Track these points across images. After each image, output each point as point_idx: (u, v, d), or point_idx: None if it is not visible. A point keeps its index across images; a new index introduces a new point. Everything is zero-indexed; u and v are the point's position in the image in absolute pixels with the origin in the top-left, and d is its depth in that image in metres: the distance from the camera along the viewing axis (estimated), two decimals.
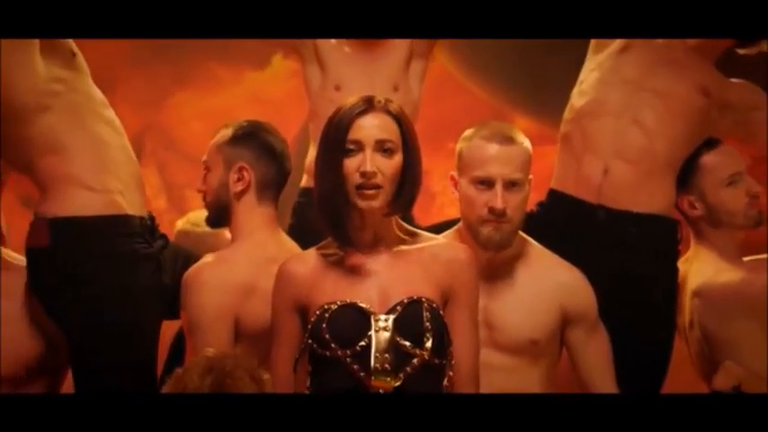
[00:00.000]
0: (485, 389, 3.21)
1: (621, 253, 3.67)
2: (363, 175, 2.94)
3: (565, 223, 3.71)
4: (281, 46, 4.28)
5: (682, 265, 3.81)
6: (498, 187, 3.26)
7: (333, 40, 4.02)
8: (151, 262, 3.45)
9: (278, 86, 5.57)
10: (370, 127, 2.98)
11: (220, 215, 3.44)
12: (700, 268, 3.73)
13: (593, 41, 3.87)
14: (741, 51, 3.79)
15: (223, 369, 2.75)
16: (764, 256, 3.82)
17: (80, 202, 3.36)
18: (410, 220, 3.33)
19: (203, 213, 3.76)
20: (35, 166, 3.36)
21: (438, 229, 3.40)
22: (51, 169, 3.36)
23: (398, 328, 2.91)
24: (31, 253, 3.39)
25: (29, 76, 3.34)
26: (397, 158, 2.97)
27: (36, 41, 3.33)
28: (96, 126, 3.43)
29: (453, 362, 3.00)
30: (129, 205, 3.42)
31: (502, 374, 3.33)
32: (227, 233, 3.68)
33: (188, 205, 4.74)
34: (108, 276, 3.37)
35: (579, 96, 3.81)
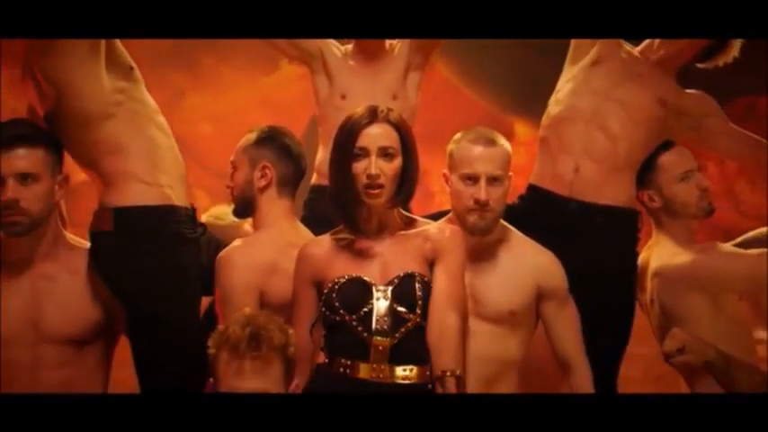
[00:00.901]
0: (472, 353, 3.42)
1: (589, 239, 3.81)
2: (369, 176, 3.18)
3: (542, 213, 3.87)
4: (293, 58, 4.29)
5: (645, 251, 3.92)
6: (482, 182, 3.45)
7: (339, 54, 4.12)
8: (194, 245, 3.58)
9: (286, 89, 5.56)
10: (375, 135, 3.20)
11: (246, 207, 3.62)
12: (659, 253, 3.87)
13: (569, 55, 3.99)
14: (700, 66, 3.93)
15: (258, 323, 3.01)
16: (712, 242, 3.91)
17: (137, 195, 3.49)
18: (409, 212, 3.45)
19: (225, 208, 4.01)
20: (99, 165, 3.49)
21: (433, 218, 3.49)
22: (113, 167, 3.49)
23: (395, 296, 3.17)
24: (95, 236, 3.53)
25: (96, 89, 3.45)
26: (398, 161, 3.20)
27: (102, 58, 3.43)
28: (150, 130, 3.55)
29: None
30: (177, 198, 3.56)
31: (486, 340, 3.52)
32: (245, 225, 3.93)
33: (196, 204, 4.55)
34: (160, 256, 3.49)
35: (555, 104, 3.96)
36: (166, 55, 4.02)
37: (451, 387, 3.12)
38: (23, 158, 3.41)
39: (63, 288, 3.52)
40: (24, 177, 3.41)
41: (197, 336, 3.40)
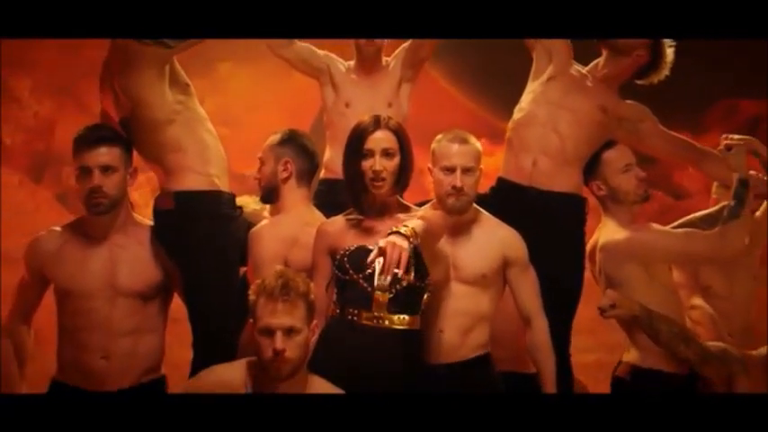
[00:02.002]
0: (452, 309, 3.81)
1: (545, 219, 4.16)
2: (374, 172, 3.56)
3: (508, 199, 4.22)
4: (304, 72, 4.51)
5: (596, 232, 4.22)
6: (458, 172, 3.78)
7: (343, 69, 4.42)
8: (234, 223, 3.95)
9: (297, 95, 5.66)
10: (378, 140, 3.58)
11: (271, 194, 3.99)
12: (605, 232, 4.21)
13: (531, 73, 4.31)
14: (638, 82, 4.28)
15: (288, 275, 3.41)
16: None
17: (192, 182, 3.89)
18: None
19: (246, 198, 4.25)
20: (163, 160, 3.90)
21: (421, 204, 3.89)
22: (174, 162, 3.89)
23: None
24: (159, 213, 3.91)
25: (162, 101, 3.83)
26: (397, 160, 3.59)
27: (167, 78, 3.78)
28: (202, 134, 3.94)
29: (428, 281, 3.53)
30: (222, 185, 3.94)
31: (463, 299, 3.86)
32: (264, 212, 4.16)
33: None
34: (209, 230, 3.87)
35: (518, 112, 4.32)
36: (185, 61, 3.99)
37: (402, 231, 3.37)
38: (105, 154, 3.83)
39: (132, 255, 3.93)
40: (106, 169, 3.84)
41: (235, 294, 3.81)
